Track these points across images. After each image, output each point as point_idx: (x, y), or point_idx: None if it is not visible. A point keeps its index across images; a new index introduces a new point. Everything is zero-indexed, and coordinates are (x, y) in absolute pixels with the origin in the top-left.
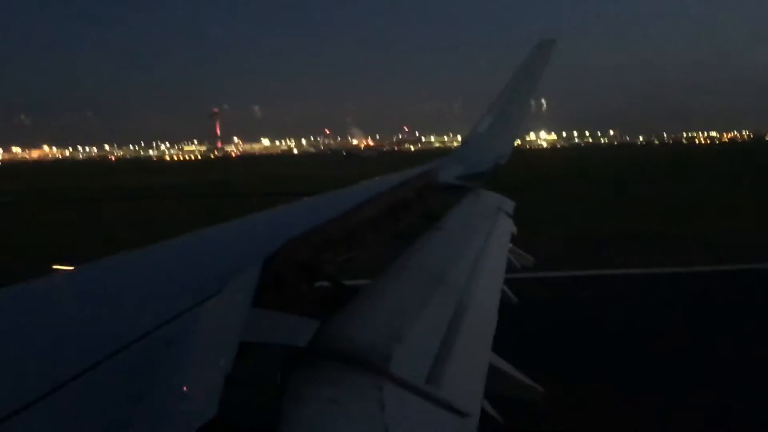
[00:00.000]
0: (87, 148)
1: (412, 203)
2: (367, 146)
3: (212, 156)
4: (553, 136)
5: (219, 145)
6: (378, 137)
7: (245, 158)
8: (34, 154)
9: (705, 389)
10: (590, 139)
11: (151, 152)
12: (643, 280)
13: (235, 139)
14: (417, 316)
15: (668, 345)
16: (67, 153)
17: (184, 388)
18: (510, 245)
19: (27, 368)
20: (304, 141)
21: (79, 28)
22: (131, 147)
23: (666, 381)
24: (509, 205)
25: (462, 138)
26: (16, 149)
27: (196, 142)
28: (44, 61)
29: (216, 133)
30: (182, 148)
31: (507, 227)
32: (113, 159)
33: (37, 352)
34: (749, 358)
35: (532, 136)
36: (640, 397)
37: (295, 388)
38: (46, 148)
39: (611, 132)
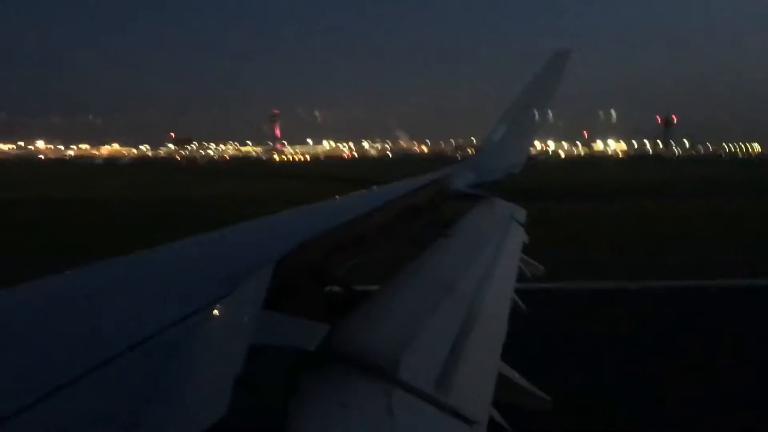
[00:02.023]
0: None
1: (424, 210)
2: None
3: (276, 158)
4: (623, 145)
5: (279, 147)
6: (428, 141)
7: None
8: (104, 151)
9: None
10: (664, 149)
11: (210, 152)
12: None
13: (309, 141)
14: (426, 322)
15: None
16: (134, 151)
17: (193, 389)
18: (521, 254)
19: (36, 368)
20: (366, 144)
21: (140, 33)
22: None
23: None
24: (521, 214)
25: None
26: (84, 146)
27: (250, 143)
28: (109, 62)
29: (276, 134)
30: (239, 149)
31: (519, 236)
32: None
33: (46, 352)
34: None
35: (599, 145)
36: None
37: (304, 392)
38: (116, 146)
39: (685, 141)
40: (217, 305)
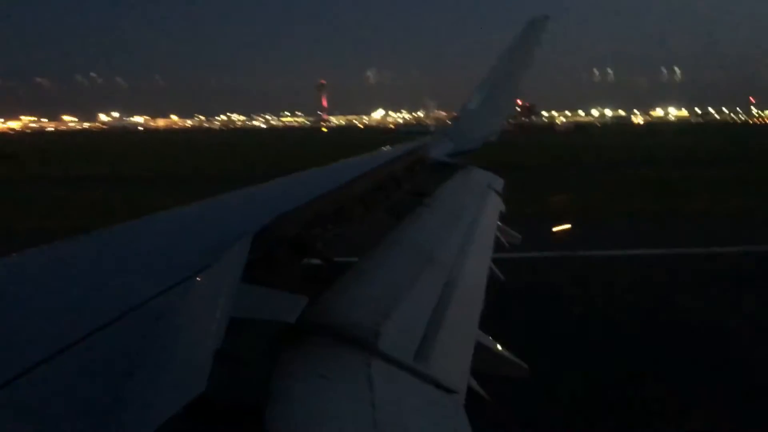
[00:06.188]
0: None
1: (402, 180)
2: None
3: (324, 128)
4: (684, 112)
5: (325, 117)
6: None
7: None
8: (160, 122)
9: None
10: (732, 116)
11: (255, 123)
12: None
13: (380, 109)
14: (405, 293)
15: None
16: (189, 123)
17: (174, 364)
18: (498, 223)
19: (15, 341)
20: (421, 113)
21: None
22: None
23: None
24: (499, 183)
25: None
26: (138, 118)
27: (288, 113)
28: (165, 37)
29: (323, 104)
30: (282, 120)
31: (496, 205)
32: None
33: (24, 326)
34: None
35: (658, 111)
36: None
37: (284, 364)
38: (174, 117)
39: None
40: (196, 278)
